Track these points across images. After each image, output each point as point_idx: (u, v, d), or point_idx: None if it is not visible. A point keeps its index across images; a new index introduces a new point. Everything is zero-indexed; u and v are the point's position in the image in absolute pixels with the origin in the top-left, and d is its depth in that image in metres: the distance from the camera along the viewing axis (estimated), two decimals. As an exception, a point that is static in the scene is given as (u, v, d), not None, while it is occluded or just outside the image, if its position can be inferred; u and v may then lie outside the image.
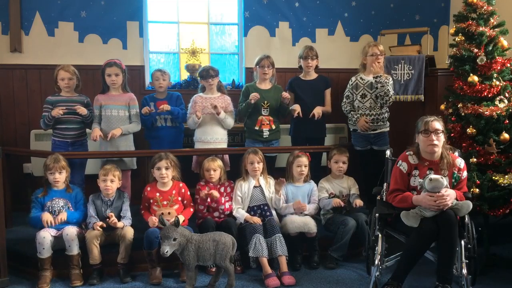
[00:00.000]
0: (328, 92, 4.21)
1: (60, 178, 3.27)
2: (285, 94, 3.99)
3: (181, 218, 3.21)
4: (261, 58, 4.06)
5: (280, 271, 3.16)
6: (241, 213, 3.45)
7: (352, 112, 4.06)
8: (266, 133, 4.01)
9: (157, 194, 3.32)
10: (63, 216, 3.17)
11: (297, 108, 4.04)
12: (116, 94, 3.88)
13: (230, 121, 3.98)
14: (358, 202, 3.50)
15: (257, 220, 3.35)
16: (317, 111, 4.05)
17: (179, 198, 3.36)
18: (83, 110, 3.69)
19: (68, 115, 3.71)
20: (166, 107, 3.83)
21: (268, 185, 3.57)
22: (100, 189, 3.33)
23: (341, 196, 3.63)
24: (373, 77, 3.92)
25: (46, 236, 3.05)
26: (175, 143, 4.02)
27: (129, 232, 3.19)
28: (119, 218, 3.29)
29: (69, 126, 3.76)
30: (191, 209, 3.40)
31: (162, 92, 4.01)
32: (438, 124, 2.87)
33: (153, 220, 3.17)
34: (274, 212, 3.54)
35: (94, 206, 3.31)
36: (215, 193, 3.39)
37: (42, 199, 3.25)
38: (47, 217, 3.14)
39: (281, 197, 3.49)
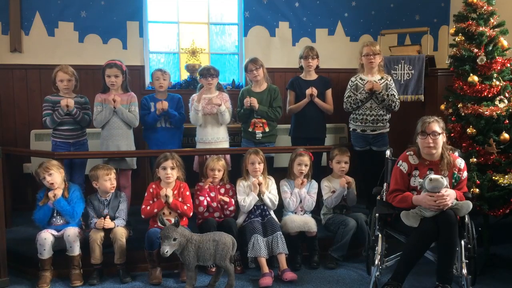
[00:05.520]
0: (329, 93, 4.21)
1: (50, 179, 3.16)
2: (246, 100, 3.93)
3: (169, 192, 3.21)
4: (246, 63, 4.07)
5: (280, 269, 3.16)
6: (247, 198, 3.46)
7: (353, 105, 4.03)
8: (259, 135, 4.00)
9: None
10: (58, 192, 3.17)
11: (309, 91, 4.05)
12: (116, 94, 3.85)
13: (228, 116, 3.96)
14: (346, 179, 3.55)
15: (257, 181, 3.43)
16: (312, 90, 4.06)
17: (180, 199, 3.35)
18: (69, 103, 3.63)
19: (69, 116, 3.71)
20: (164, 104, 3.82)
21: (267, 185, 3.56)
22: (102, 189, 3.31)
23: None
24: (378, 79, 3.96)
25: (47, 237, 3.05)
26: (173, 144, 3.98)
27: (120, 233, 3.17)
28: (114, 218, 3.29)
29: (70, 127, 3.76)
30: (185, 207, 3.28)
31: (162, 92, 3.99)
32: (436, 126, 2.86)
33: None
34: (272, 213, 3.54)
35: (93, 206, 3.31)
36: (225, 198, 3.43)
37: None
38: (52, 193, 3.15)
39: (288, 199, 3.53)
